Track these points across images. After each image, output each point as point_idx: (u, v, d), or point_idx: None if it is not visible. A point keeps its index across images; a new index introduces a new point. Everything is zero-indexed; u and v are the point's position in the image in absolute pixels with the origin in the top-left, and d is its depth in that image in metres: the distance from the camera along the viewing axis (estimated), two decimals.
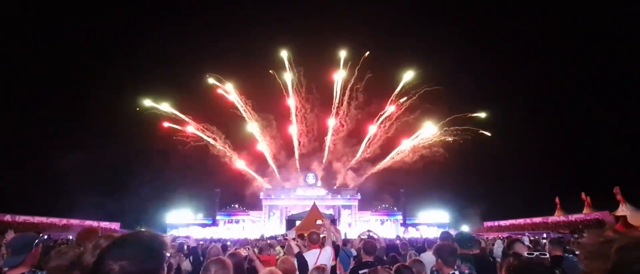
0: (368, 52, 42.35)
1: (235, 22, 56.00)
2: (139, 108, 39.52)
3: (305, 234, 5.91)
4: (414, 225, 36.46)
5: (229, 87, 43.07)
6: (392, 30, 48.67)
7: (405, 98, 43.22)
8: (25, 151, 33.59)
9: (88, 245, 1.69)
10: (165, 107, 40.75)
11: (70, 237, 15.68)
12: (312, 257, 4.31)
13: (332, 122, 44.47)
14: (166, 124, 40.97)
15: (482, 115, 40.85)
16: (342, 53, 43.66)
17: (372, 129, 43.66)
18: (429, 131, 41.84)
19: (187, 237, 9.98)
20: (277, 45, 43.56)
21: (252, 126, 43.50)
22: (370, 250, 4.36)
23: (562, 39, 43.04)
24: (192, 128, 41.72)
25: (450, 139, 41.35)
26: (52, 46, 39.16)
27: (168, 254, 1.23)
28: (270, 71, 43.76)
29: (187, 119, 41.59)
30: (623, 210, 24.27)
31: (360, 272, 3.79)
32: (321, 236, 5.08)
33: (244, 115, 43.52)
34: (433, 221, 36.44)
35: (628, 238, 0.79)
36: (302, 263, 4.13)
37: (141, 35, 45.15)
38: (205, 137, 41.76)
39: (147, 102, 40.08)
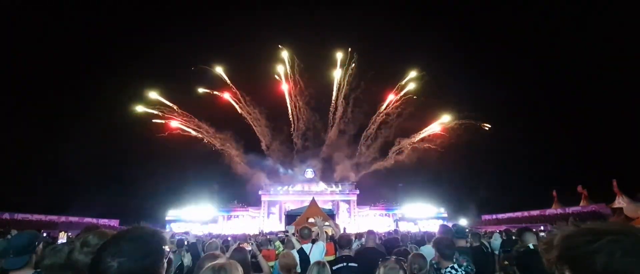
0: (372, 72, 42.37)
1: (236, 20, 55.47)
2: (139, 106, 39.44)
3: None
4: (412, 219, 36.61)
5: (227, 84, 43.10)
6: (392, 33, 48.77)
7: (401, 95, 43.51)
8: (24, 149, 33.40)
9: (76, 242, 1.65)
10: (165, 105, 40.79)
11: (69, 234, 15.64)
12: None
13: (332, 112, 44.64)
14: (172, 124, 40.92)
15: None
16: (339, 56, 43.81)
17: (371, 130, 44.11)
18: (427, 131, 42.35)
19: (186, 233, 10.00)
20: (277, 42, 43.55)
21: (250, 120, 43.63)
22: (345, 244, 4.33)
23: (559, 32, 43.02)
24: (193, 126, 41.82)
25: (446, 136, 41.65)
26: (50, 39, 38.75)
27: (167, 250, 1.21)
28: (270, 64, 43.85)
29: (182, 112, 41.49)
30: (620, 202, 24.45)
31: (334, 268, 3.72)
32: (313, 230, 5.12)
33: (241, 110, 43.58)
34: (431, 215, 36.61)
35: (573, 228, 0.89)
36: (304, 257, 4.14)
37: (138, 30, 44.86)
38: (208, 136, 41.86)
39: (146, 98, 40.08)
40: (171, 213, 36.10)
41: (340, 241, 4.41)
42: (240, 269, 1.79)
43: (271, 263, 4.68)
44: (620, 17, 34.72)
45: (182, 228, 29.93)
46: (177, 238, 7.38)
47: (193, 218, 36.08)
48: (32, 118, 35.57)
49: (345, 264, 3.83)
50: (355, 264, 3.84)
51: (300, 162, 43.18)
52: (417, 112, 42.13)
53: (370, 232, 5.14)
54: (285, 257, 3.54)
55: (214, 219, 36.82)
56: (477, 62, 45.67)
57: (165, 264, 1.18)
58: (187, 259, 5.57)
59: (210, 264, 1.79)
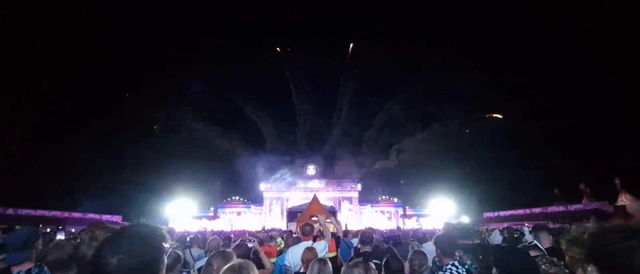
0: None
1: (240, 23, 55.43)
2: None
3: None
4: (413, 216, 36.64)
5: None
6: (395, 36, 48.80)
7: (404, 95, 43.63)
8: (25, 145, 33.55)
9: (84, 237, 1.68)
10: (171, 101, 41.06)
11: (73, 230, 15.80)
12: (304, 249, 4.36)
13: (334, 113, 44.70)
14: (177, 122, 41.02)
15: (499, 115, 41.21)
16: (342, 56, 44.37)
17: (372, 131, 44.20)
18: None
19: (186, 232, 10.04)
20: (277, 40, 43.73)
21: (252, 116, 43.87)
22: (367, 240, 4.36)
23: (559, 30, 42.68)
24: (199, 124, 42.07)
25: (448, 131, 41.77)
26: (52, 38, 38.79)
27: (168, 246, 1.21)
28: (275, 64, 44.16)
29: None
30: (622, 200, 24.35)
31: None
32: (316, 227, 5.16)
33: (249, 112, 43.84)
34: (433, 212, 36.61)
35: (600, 226, 0.91)
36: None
37: (140, 30, 44.87)
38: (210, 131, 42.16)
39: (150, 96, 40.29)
40: (173, 209, 36.23)
41: (362, 238, 4.46)
42: (255, 268, 1.82)
43: (273, 260, 4.69)
44: (621, 15, 34.40)
45: (183, 225, 30.11)
46: (185, 238, 7.46)
47: (194, 214, 36.22)
48: (35, 116, 35.71)
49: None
50: (378, 262, 3.91)
51: (303, 159, 43.29)
52: (419, 110, 42.14)
53: (364, 232, 5.20)
54: (311, 251, 3.70)
55: (216, 215, 36.96)
56: (478, 61, 45.43)
57: (165, 260, 1.18)
58: (190, 258, 5.65)
59: (229, 264, 1.81)
